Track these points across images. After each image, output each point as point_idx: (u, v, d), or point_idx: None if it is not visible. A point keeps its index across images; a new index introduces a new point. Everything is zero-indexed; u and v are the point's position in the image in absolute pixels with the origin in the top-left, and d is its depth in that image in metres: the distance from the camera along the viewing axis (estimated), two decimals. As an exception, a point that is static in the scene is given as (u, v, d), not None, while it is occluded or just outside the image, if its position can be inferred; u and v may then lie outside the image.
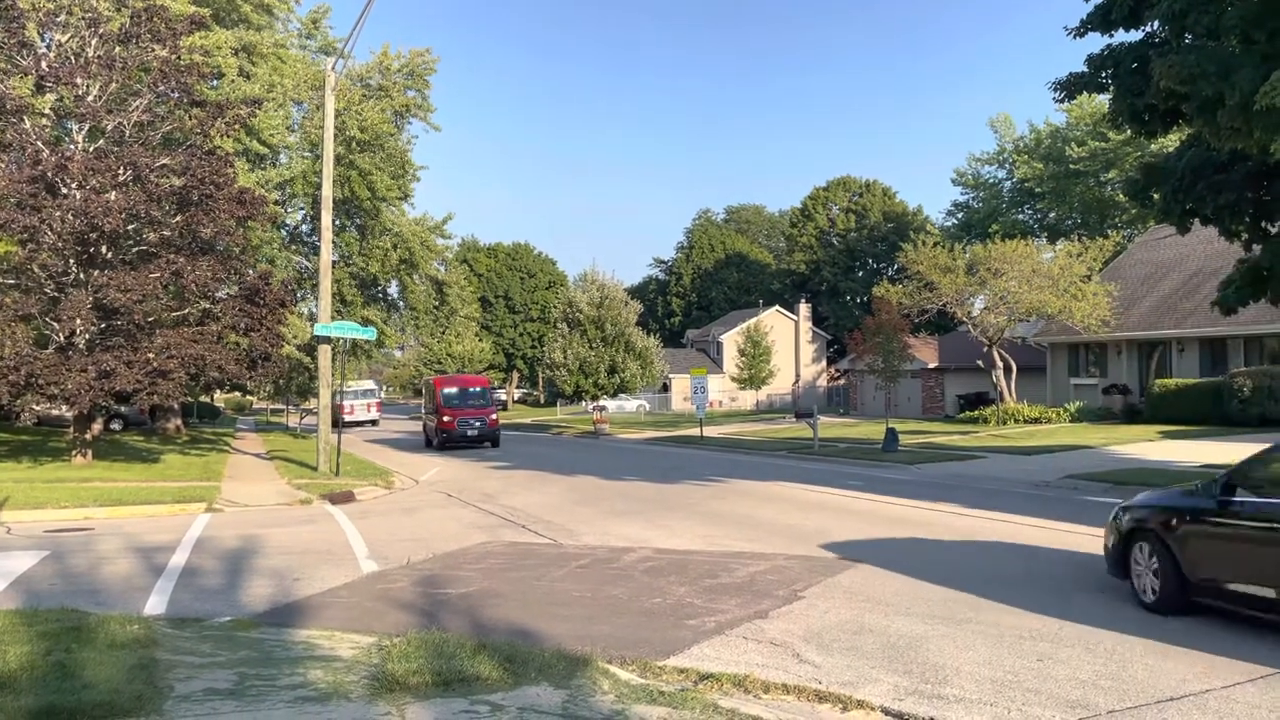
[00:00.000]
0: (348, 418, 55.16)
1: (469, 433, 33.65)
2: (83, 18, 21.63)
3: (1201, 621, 7.54)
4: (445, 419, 33.59)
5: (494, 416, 34.71)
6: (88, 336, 20.78)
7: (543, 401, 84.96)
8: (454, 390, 35.41)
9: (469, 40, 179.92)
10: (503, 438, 46.29)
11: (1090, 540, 11.56)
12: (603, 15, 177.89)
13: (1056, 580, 9.38)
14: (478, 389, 36.46)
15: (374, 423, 58.88)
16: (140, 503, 16.62)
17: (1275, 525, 6.91)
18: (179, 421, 40.17)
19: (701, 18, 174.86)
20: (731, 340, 70.44)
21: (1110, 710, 5.70)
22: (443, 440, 33.53)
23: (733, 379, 64.38)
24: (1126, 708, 5.73)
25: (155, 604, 9.20)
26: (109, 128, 21.68)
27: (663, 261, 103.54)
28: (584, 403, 54.91)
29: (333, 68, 25.04)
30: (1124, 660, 6.64)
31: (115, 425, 39.93)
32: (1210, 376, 32.14)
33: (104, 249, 21.30)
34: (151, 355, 20.22)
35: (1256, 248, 14.66)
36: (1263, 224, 14.21)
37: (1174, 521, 7.91)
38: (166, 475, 21.52)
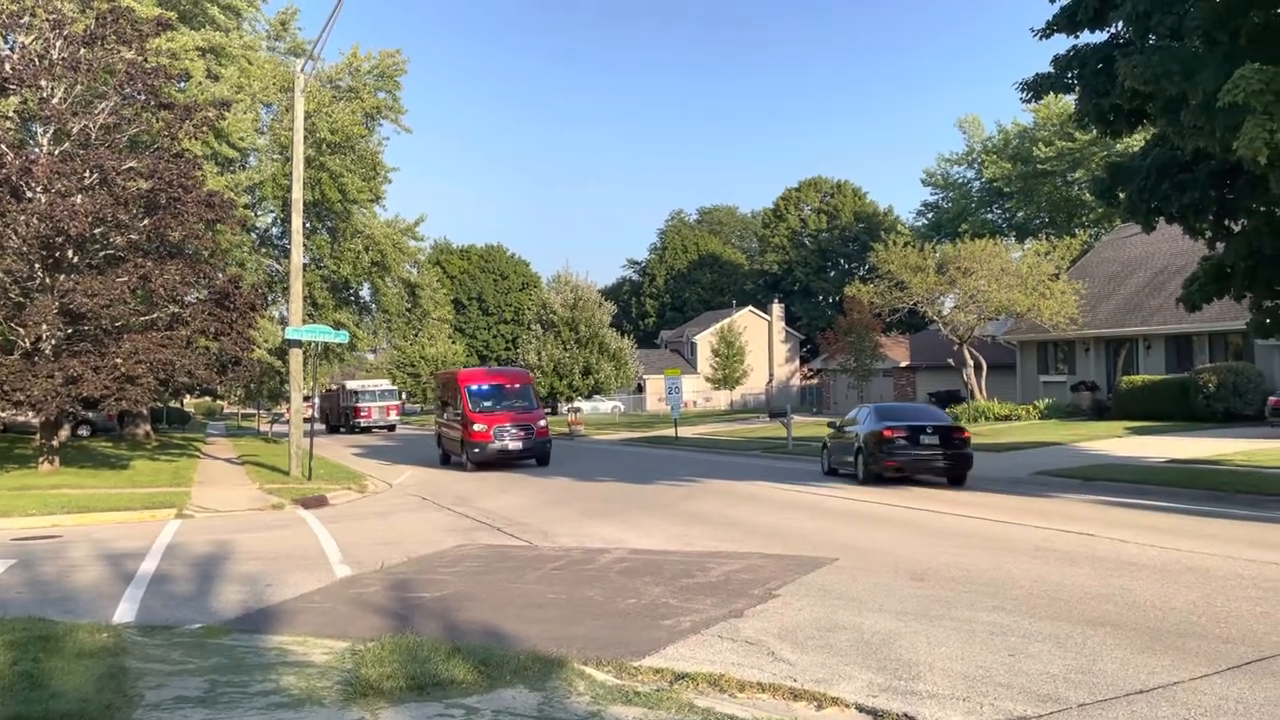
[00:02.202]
0: (363, 421, 53.49)
1: (510, 446, 24.85)
2: (47, 19, 21.34)
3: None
4: (476, 428, 24.88)
5: (543, 423, 25.99)
6: (54, 342, 20.51)
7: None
8: (486, 388, 26.92)
9: (440, 42, 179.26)
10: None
11: (1059, 535, 11.69)
12: (572, 17, 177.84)
13: (1024, 568, 9.49)
14: (518, 385, 27.84)
15: (391, 428, 54.35)
16: (109, 509, 16.43)
17: (843, 438, 20.24)
18: (148, 427, 39.73)
19: (671, 18, 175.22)
20: (705, 341, 70.61)
21: (1080, 704, 5.76)
22: (475, 456, 24.86)
23: (707, 379, 64.54)
24: (1096, 701, 5.80)
25: (125, 611, 9.10)
26: (74, 130, 21.42)
27: (636, 263, 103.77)
28: (558, 405, 54.85)
29: (302, 69, 24.88)
30: (1094, 655, 6.72)
31: (83, 431, 39.41)
32: (1176, 373, 32.57)
33: (70, 253, 21.04)
34: (119, 360, 19.98)
35: (1220, 245, 14.88)
36: (1226, 222, 14.42)
37: (829, 442, 21.60)
38: (136, 481, 21.28)
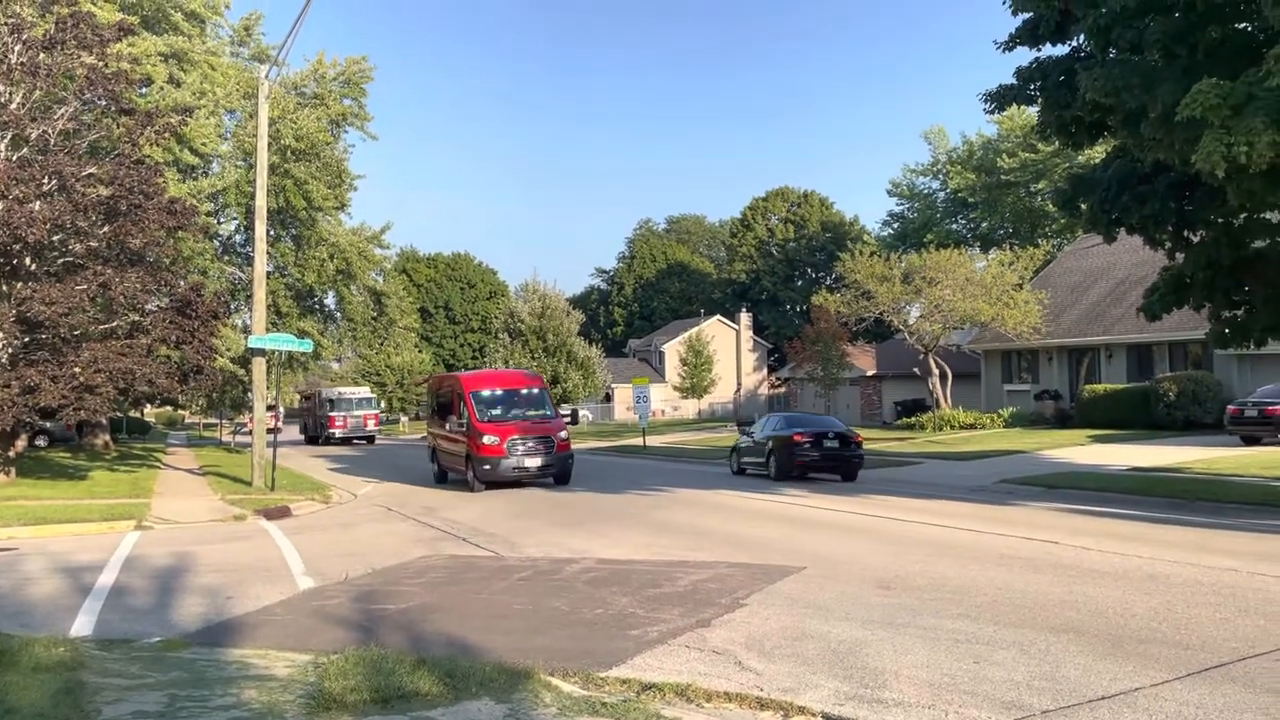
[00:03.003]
0: (337, 432, 48.01)
1: (528, 463, 20.97)
2: (5, 23, 21.00)
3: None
4: (486, 441, 20.90)
5: (564, 435, 22.08)
6: (10, 351, 20.14)
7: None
8: (495, 393, 22.99)
9: (405, 50, 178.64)
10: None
11: (1023, 542, 11.80)
12: (538, 25, 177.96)
13: (990, 576, 9.55)
14: (533, 391, 23.68)
15: (370, 439, 49.58)
16: (67, 521, 16.15)
17: (754, 442, 23.86)
18: (107, 437, 39.12)
19: (638, 26, 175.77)
20: (673, 350, 70.67)
21: (1045, 710, 5.80)
22: (484, 474, 20.89)
23: (675, 388, 64.57)
24: (1060, 707, 5.84)
25: (83, 625, 8.94)
26: (33, 136, 21.08)
27: (604, 271, 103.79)
28: (526, 414, 54.57)
29: (266, 75, 24.67)
30: (1058, 661, 6.78)
31: (40, 442, 38.72)
32: (1138, 381, 33.04)
33: (28, 260, 20.69)
34: (78, 369, 19.65)
35: (1179, 256, 15.10)
36: (1185, 233, 14.64)
37: (739, 445, 25.18)
38: (94, 493, 20.94)
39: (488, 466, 20.77)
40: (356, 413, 49.00)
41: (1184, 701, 5.87)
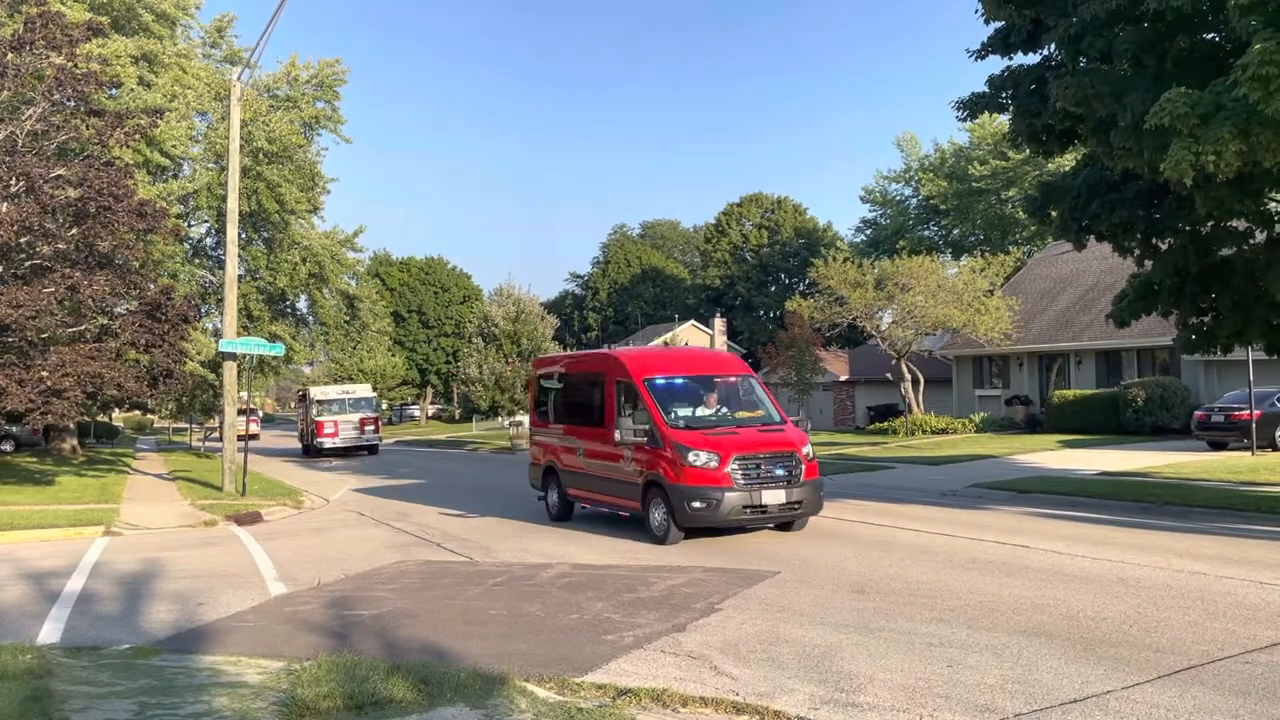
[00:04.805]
0: (327, 441, 39.54)
1: (767, 498, 13.09)
2: (-29, 22, 20.76)
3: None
4: (691, 461, 13.13)
5: (809, 451, 13.91)
6: (-24, 354, 19.84)
7: (458, 418, 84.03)
8: (681, 382, 15.16)
9: (378, 53, 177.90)
10: (416, 455, 44.68)
11: (995, 546, 11.89)
12: (513, 28, 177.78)
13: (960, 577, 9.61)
14: (738, 379, 15.83)
15: (372, 449, 41.03)
16: (33, 527, 15.94)
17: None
18: (75, 442, 38.61)
19: (611, 30, 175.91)
20: (647, 354, 70.63)
21: (1017, 714, 5.85)
22: (693, 515, 13.01)
23: (649, 393, 64.53)
24: (1032, 710, 5.89)
25: (50, 632, 8.82)
26: (0, 137, 20.80)
27: (579, 276, 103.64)
28: (500, 418, 54.48)
29: (238, 77, 24.48)
30: (1030, 665, 6.83)
31: (6, 447, 38.23)
32: (1106, 387, 33.39)
33: (-6, 263, 20.40)
34: (45, 374, 19.39)
35: (1148, 263, 15.27)
36: (1153, 240, 14.81)
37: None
38: (61, 498, 20.66)
39: (700, 504, 12.86)
40: (352, 416, 40.56)
41: (1154, 704, 5.93)
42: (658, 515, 13.54)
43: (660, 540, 13.32)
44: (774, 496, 13.13)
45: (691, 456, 13.11)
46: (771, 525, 13.89)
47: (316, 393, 42.90)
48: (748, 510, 13.04)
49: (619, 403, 14.80)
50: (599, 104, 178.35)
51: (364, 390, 44.92)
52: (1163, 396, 30.07)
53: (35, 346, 20.12)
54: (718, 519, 13.05)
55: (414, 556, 13.06)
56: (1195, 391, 30.69)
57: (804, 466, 13.53)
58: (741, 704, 6.11)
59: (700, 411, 14.58)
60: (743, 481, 13.01)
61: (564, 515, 16.45)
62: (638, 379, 14.58)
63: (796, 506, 13.38)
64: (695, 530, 13.58)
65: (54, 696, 5.72)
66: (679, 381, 15.11)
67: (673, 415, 14.04)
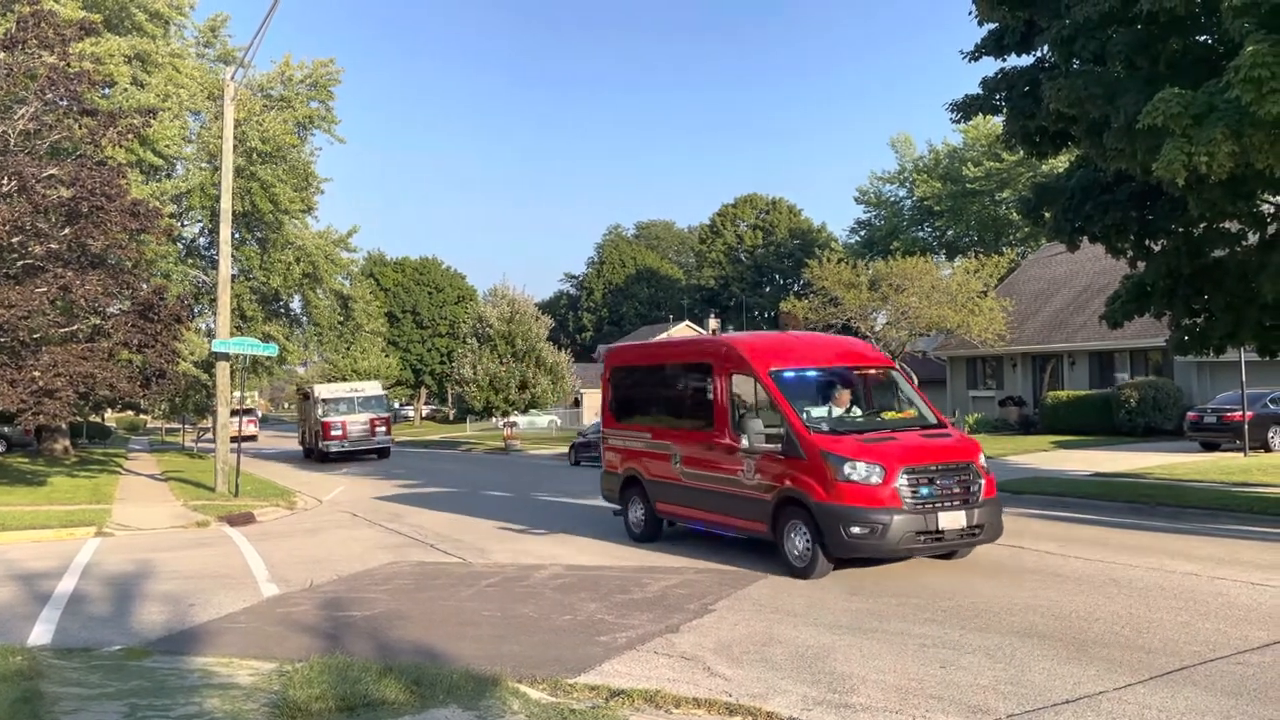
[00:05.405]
0: (332, 445, 36.66)
1: (944, 522, 10.29)
2: (-37, 21, 20.68)
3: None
4: (848, 475, 10.30)
5: (984, 462, 11.32)
6: (-33, 354, 19.77)
7: (452, 418, 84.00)
8: (815, 375, 12.34)
9: (374, 53, 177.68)
10: (410, 455, 44.78)
11: (988, 547, 11.90)
12: (508, 30, 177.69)
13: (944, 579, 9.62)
14: (880, 370, 12.98)
15: (383, 453, 38.19)
16: (24, 527, 15.88)
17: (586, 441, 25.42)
18: (67, 442, 38.47)
19: (607, 31, 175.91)
20: (641, 355, 70.67)
21: (1010, 714, 5.85)
22: (852, 543, 10.14)
23: (643, 394, 64.54)
24: (1025, 711, 5.90)
25: (41, 633, 8.79)
26: (-8, 136, 20.74)
27: (574, 276, 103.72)
28: (494, 419, 54.42)
29: (232, 77, 24.41)
30: (1022, 665, 6.84)
31: (-2, 447, 38.09)
32: (1100, 388, 33.44)
33: (-14, 262, 20.34)
34: (37, 374, 19.33)
35: (1141, 264, 15.29)
36: (1146, 242, 14.83)
37: (576, 443, 30.65)
38: (53, 498, 20.60)
39: (861, 529, 10.16)
40: (361, 416, 37.74)
41: (1146, 705, 5.94)
42: (798, 542, 10.66)
43: (802, 574, 10.50)
44: (952, 520, 10.42)
45: (847, 469, 10.33)
46: (967, 543, 11.01)
47: (322, 391, 40.09)
48: (922, 537, 10.31)
49: (732, 401, 12.11)
50: (594, 105, 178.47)
51: (374, 388, 41.47)
52: (1156, 398, 30.12)
53: (27, 346, 20.06)
54: (885, 548, 10.28)
55: (407, 557, 13.04)
56: (1188, 393, 30.75)
57: (983, 481, 10.96)
58: (734, 705, 6.11)
59: (836, 412, 11.73)
60: (913, 501, 10.28)
61: (650, 536, 13.57)
62: (761, 371, 11.71)
63: (977, 531, 10.67)
64: (692, 529, 12.76)
65: (45, 698, 5.69)
66: (812, 374, 12.26)
67: (806, 416, 11.24)
